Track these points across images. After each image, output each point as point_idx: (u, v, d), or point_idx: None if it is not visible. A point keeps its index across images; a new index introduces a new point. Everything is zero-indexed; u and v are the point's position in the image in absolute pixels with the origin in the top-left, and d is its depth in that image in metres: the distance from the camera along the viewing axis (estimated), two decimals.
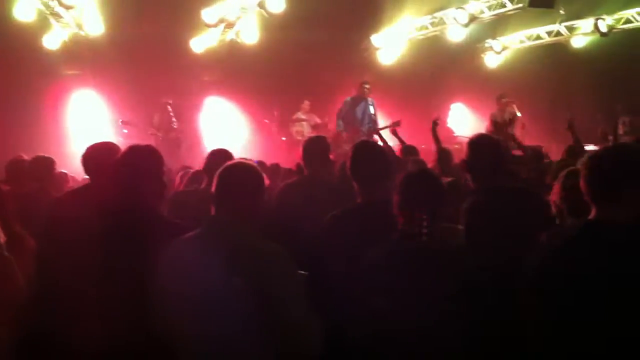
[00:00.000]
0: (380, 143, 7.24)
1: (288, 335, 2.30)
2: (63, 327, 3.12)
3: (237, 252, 2.35)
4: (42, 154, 4.87)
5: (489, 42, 12.43)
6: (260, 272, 2.33)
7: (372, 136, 9.17)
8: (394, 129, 7.00)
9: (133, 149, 2.88)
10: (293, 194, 3.97)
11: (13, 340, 2.57)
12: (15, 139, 8.97)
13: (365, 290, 2.45)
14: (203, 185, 4.08)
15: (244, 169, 2.52)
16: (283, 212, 3.88)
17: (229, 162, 2.58)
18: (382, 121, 9.88)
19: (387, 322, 2.37)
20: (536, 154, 6.01)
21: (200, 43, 11.27)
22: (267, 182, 2.58)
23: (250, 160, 3.86)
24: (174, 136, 9.63)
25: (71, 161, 6.28)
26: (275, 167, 5.79)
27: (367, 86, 9.65)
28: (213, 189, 2.46)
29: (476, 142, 3.42)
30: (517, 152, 6.42)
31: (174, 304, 2.38)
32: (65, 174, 5.53)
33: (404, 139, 9.93)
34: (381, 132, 8.67)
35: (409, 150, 6.33)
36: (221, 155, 4.05)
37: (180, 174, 5.25)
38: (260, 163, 5.14)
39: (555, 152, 7.09)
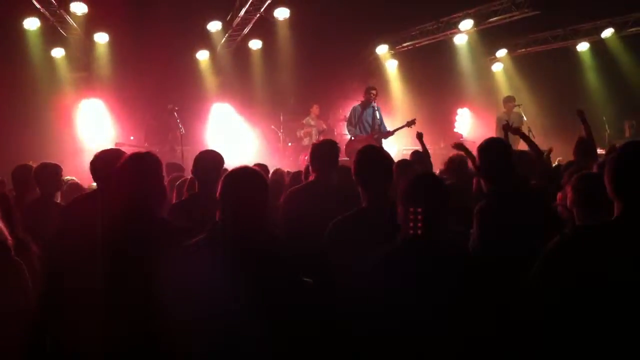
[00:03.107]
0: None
1: (292, 337, 2.29)
2: (70, 331, 3.12)
3: (243, 257, 2.35)
4: (49, 161, 4.87)
5: (496, 46, 12.41)
6: (266, 276, 2.32)
7: (381, 142, 9.17)
8: (421, 134, 6.91)
9: (134, 157, 2.89)
10: (302, 198, 3.95)
11: (22, 342, 2.58)
12: (24, 147, 9.05)
13: (368, 293, 2.44)
14: (197, 190, 4.05)
15: (248, 173, 2.52)
16: (291, 217, 3.87)
17: (234, 168, 2.58)
18: (389, 126, 9.89)
19: (389, 324, 2.36)
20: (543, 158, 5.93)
21: (207, 50, 11.35)
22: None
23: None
24: (167, 148, 9.65)
25: (79, 169, 6.31)
26: (280, 172, 5.76)
27: (373, 92, 9.65)
28: (218, 194, 2.46)
29: (486, 147, 3.42)
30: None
31: (181, 308, 2.37)
32: (77, 183, 5.49)
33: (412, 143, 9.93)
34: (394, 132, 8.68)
35: (417, 156, 6.30)
36: (210, 157, 4.01)
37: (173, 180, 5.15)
38: (263, 167, 5.12)
39: (560, 154, 7.05)
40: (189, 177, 4.69)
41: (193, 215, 3.53)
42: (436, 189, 2.52)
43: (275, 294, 2.30)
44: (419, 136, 6.84)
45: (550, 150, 6.38)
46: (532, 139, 5.79)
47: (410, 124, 9.16)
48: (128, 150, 9.21)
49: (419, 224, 2.42)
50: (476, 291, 2.39)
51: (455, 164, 5.51)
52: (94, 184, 4.96)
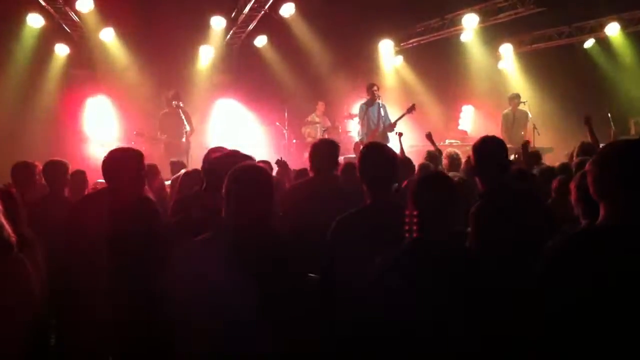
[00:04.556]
0: (397, 145, 7.28)
1: (293, 337, 2.31)
2: (74, 328, 3.15)
3: (247, 254, 2.36)
4: (56, 158, 4.85)
5: (501, 43, 12.36)
6: (269, 274, 2.33)
7: (387, 136, 9.18)
8: (429, 133, 6.99)
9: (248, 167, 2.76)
10: (301, 195, 3.96)
11: (25, 340, 2.60)
12: (29, 145, 9.09)
13: (373, 294, 2.45)
14: (203, 187, 4.06)
15: (254, 170, 2.52)
16: (291, 214, 3.88)
17: (240, 164, 2.59)
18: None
19: (388, 327, 2.36)
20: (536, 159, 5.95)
21: (212, 47, 11.35)
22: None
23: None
24: (183, 141, 9.64)
25: (85, 166, 6.33)
26: (284, 163, 5.77)
27: (375, 88, 9.67)
28: (224, 191, 2.47)
29: (481, 146, 3.41)
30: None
31: (184, 306, 2.39)
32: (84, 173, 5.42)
33: (414, 141, 9.94)
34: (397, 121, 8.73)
35: (431, 156, 6.32)
36: (220, 154, 4.02)
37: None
38: (266, 164, 5.13)
39: (566, 150, 7.03)
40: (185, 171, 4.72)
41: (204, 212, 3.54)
42: (440, 190, 2.51)
43: (278, 292, 2.31)
44: (429, 136, 6.92)
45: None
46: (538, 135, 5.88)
47: (410, 110, 9.17)
48: (146, 140, 9.19)
49: (415, 227, 2.43)
50: (476, 292, 2.39)
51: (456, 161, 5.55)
52: (100, 181, 4.99)
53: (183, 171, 4.76)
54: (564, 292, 1.99)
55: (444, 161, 5.94)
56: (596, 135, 6.28)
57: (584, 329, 1.97)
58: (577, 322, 1.97)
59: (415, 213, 2.45)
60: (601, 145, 6.08)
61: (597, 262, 1.97)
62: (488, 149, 3.37)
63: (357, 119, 10.10)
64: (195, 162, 6.93)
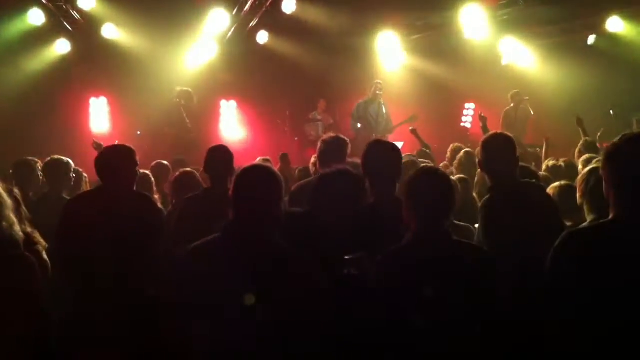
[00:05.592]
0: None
1: (296, 337, 2.29)
2: (77, 328, 3.13)
3: (257, 257, 2.34)
4: (57, 156, 4.81)
5: (503, 39, 12.31)
6: (280, 276, 2.31)
7: (387, 137, 9.17)
8: (414, 129, 6.98)
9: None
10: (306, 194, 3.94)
11: (32, 337, 2.60)
12: (32, 143, 9.06)
13: (371, 292, 2.43)
14: (209, 186, 4.07)
15: (262, 172, 2.48)
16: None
17: (248, 165, 2.55)
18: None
19: (393, 325, 2.34)
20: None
21: (213, 43, 11.32)
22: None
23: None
24: (191, 137, 9.62)
25: (87, 164, 6.31)
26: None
27: (379, 87, 9.65)
28: (231, 192, 2.44)
29: (490, 142, 3.40)
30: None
31: (187, 308, 2.37)
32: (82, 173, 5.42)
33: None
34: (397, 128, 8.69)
35: (423, 154, 6.30)
36: (221, 153, 4.03)
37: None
38: (267, 161, 5.13)
39: (568, 150, 7.01)
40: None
41: (206, 210, 3.55)
42: (439, 185, 2.49)
43: (289, 295, 2.28)
44: (414, 131, 6.95)
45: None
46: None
47: (412, 119, 9.12)
48: (148, 135, 9.14)
49: (413, 223, 2.41)
50: (478, 289, 2.37)
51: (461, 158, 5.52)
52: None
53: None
54: (580, 288, 1.99)
55: (447, 155, 5.90)
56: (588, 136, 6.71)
57: (601, 324, 1.96)
58: (595, 318, 1.96)
59: (413, 208, 2.44)
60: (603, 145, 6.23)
61: (613, 255, 1.96)
62: (498, 144, 3.36)
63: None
64: (197, 160, 6.91)
